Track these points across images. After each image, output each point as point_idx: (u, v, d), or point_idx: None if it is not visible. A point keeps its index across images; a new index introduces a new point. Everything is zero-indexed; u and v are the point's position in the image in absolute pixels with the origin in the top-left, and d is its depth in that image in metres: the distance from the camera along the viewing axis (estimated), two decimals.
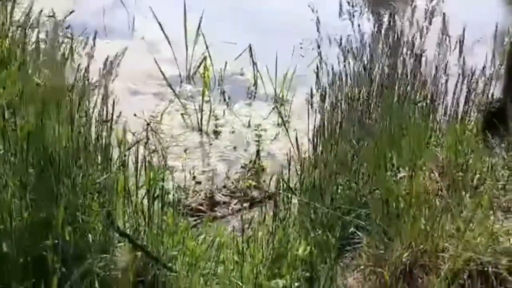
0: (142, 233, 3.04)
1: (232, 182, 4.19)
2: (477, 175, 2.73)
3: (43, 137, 2.59)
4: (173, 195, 3.29)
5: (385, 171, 2.73)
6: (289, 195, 3.10)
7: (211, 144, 4.54)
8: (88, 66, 2.85)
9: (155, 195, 3.09)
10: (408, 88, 3.37)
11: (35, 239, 2.56)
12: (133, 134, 3.81)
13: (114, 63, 2.94)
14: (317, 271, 2.65)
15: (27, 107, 2.55)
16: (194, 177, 4.20)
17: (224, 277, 2.96)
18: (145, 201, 3.04)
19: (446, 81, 3.50)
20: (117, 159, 3.02)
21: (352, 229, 2.82)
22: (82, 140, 2.76)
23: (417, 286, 2.37)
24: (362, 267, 2.57)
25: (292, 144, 3.55)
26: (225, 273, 2.98)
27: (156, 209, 3.07)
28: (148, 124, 3.82)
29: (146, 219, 3.05)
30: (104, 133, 2.95)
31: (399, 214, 2.57)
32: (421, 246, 2.45)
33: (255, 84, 5.13)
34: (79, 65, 2.98)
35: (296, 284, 2.68)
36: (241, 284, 2.84)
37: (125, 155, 3.00)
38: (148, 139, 3.23)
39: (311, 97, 3.18)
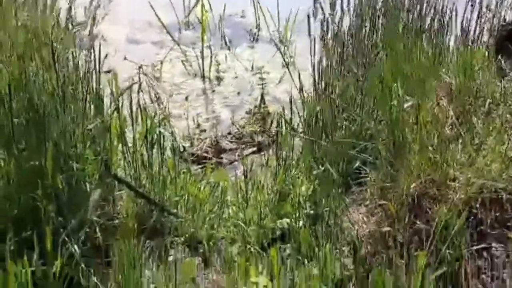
0: (144, 180, 2.95)
1: (238, 128, 4.07)
2: (489, 100, 2.55)
3: (27, 85, 2.46)
4: (172, 141, 3.17)
5: (390, 101, 2.57)
6: (292, 134, 2.97)
7: (214, 91, 4.40)
8: (70, 8, 2.71)
9: (153, 142, 2.99)
10: (415, 13, 3.17)
11: (27, 189, 2.46)
12: (133, 80, 3.69)
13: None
14: (321, 208, 2.53)
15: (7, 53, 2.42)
16: (198, 125, 4.08)
17: (228, 219, 2.88)
18: (144, 149, 2.96)
19: (454, 4, 3.29)
20: (110, 105, 2.90)
21: (358, 163, 2.69)
22: (69, 86, 2.63)
23: (426, 217, 2.24)
24: (368, 201, 2.44)
25: (294, 83, 3.40)
26: (229, 216, 2.89)
27: (155, 156, 2.98)
28: (140, 67, 3.66)
29: (146, 166, 2.96)
30: (94, 78, 2.83)
31: (406, 144, 2.42)
32: (430, 176, 2.31)
33: (258, 26, 4.94)
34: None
35: (301, 222, 2.58)
36: (245, 226, 2.75)
37: (118, 100, 2.88)
38: (141, 82, 3.08)
39: (308, 26, 3.00)
